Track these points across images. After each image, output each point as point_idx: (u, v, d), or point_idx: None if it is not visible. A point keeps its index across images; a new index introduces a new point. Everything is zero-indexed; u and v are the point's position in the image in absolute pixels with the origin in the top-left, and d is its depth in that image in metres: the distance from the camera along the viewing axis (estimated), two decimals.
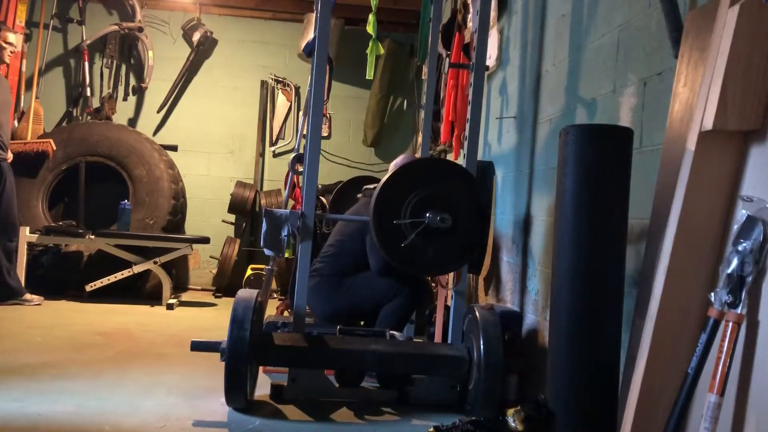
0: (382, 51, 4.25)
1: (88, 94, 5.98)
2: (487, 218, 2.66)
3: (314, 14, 3.12)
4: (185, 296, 5.74)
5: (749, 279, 1.44)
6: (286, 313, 4.08)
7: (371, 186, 3.31)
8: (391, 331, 2.86)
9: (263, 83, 6.35)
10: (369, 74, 4.05)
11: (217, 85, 6.33)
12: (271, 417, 2.48)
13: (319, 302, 3.18)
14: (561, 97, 2.85)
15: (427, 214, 2.53)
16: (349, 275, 3.18)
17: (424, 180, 2.60)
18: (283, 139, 6.40)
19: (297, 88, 6.37)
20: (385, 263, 3.05)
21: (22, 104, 5.80)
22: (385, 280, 3.11)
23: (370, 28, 3.87)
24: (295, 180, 4.31)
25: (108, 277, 5.06)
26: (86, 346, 3.46)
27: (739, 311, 1.43)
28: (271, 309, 4.31)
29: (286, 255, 3.06)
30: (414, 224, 2.54)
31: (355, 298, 3.16)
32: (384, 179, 2.64)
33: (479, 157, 3.37)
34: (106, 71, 6.15)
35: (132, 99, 6.25)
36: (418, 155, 5.18)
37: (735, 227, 1.50)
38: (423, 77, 5.62)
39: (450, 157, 4.46)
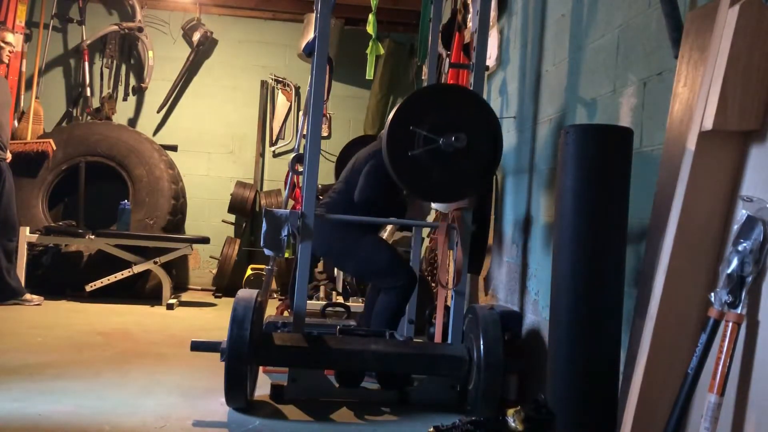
0: (382, 51, 4.24)
1: (88, 94, 5.98)
2: (500, 145, 2.64)
3: (314, 14, 3.12)
4: (185, 296, 5.74)
5: (749, 279, 1.44)
6: (286, 313, 4.08)
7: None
8: (391, 331, 2.86)
9: (263, 83, 6.35)
10: (369, 74, 4.05)
11: (217, 85, 6.33)
12: (271, 417, 2.48)
13: (319, 235, 3.06)
14: (561, 97, 2.85)
15: (441, 139, 2.51)
16: (358, 228, 3.11)
17: (439, 104, 2.57)
18: (283, 139, 6.40)
19: (297, 88, 6.37)
20: (370, 195, 3.03)
21: (22, 104, 5.80)
22: (386, 257, 3.07)
23: (370, 28, 3.87)
24: (295, 180, 4.31)
25: (108, 277, 5.06)
26: (86, 346, 3.46)
27: (739, 311, 1.43)
28: (271, 309, 4.31)
29: (286, 255, 3.06)
30: (428, 141, 2.51)
31: (353, 252, 3.11)
32: (400, 102, 2.63)
33: None
34: (106, 71, 6.15)
35: (132, 99, 6.25)
36: None
37: (735, 227, 1.50)
38: (423, 77, 5.62)
39: None
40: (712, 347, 1.47)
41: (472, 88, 2.86)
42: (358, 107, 6.36)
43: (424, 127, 2.51)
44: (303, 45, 5.12)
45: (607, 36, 2.46)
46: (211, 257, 6.10)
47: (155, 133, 6.21)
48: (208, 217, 6.24)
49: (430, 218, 4.07)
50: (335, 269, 4.98)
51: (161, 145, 5.89)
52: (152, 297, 5.25)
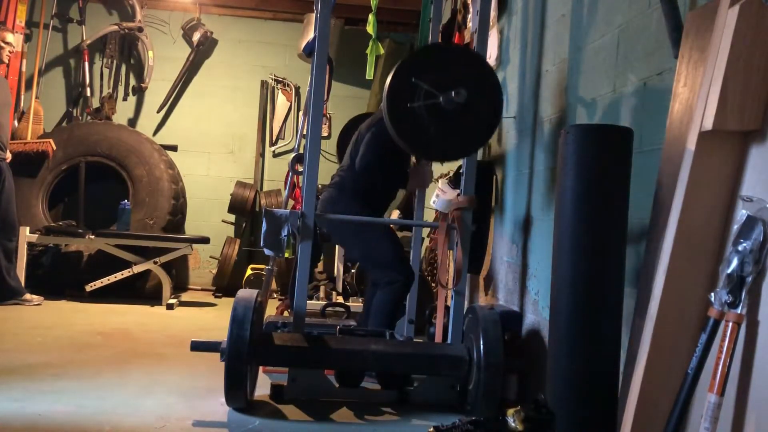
0: (382, 51, 4.25)
1: (88, 94, 5.98)
2: (499, 105, 2.63)
3: (314, 14, 3.12)
4: (185, 296, 5.74)
5: (749, 279, 1.44)
6: (286, 313, 4.08)
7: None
8: (391, 332, 2.86)
9: (263, 83, 6.35)
10: (369, 74, 4.05)
11: (217, 85, 6.33)
12: (271, 417, 2.48)
13: (334, 211, 3.13)
14: (561, 97, 2.85)
15: (442, 96, 2.50)
16: (366, 205, 3.13)
17: (442, 61, 2.57)
18: (283, 139, 6.40)
19: (297, 88, 6.37)
20: (372, 161, 3.04)
21: (22, 104, 5.80)
22: (390, 252, 3.08)
23: (370, 28, 3.87)
24: (295, 180, 4.31)
25: (108, 277, 5.06)
26: (86, 346, 3.46)
27: (739, 311, 1.43)
28: (271, 309, 4.31)
29: (286, 255, 3.05)
30: (428, 96, 2.50)
31: (358, 236, 3.14)
32: (403, 58, 2.62)
33: (479, 157, 3.37)
34: (106, 71, 6.15)
35: (132, 99, 6.25)
36: None
37: (735, 227, 1.50)
38: None
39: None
40: (712, 347, 1.47)
41: None
42: (358, 107, 6.34)
43: (425, 82, 2.50)
44: (303, 45, 5.12)
45: (607, 36, 2.46)
46: (211, 257, 6.10)
47: (155, 133, 6.21)
48: (208, 217, 6.24)
49: (430, 218, 4.07)
50: (335, 269, 4.98)
51: (161, 145, 5.89)
52: (152, 297, 5.25)
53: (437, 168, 4.98)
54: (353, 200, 3.14)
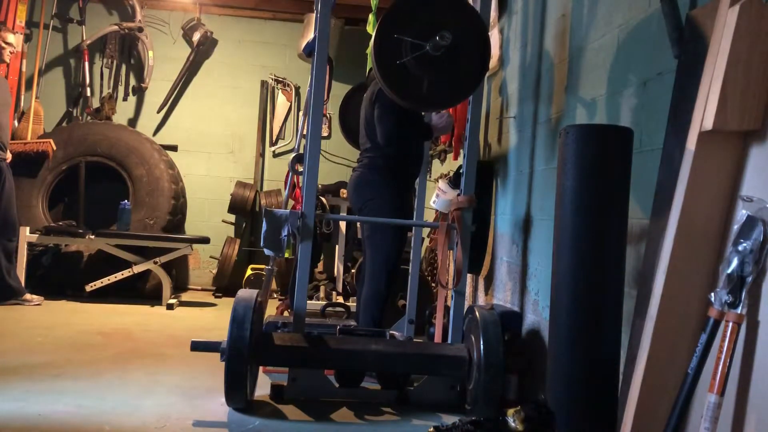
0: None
1: (88, 94, 5.98)
2: (488, 47, 2.61)
3: (314, 14, 3.12)
4: (185, 296, 5.74)
5: (749, 279, 1.44)
6: (286, 313, 4.08)
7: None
8: (391, 332, 2.86)
9: (263, 83, 6.35)
10: None
11: (217, 85, 6.33)
12: (271, 417, 2.48)
13: (367, 190, 3.19)
14: (561, 97, 2.85)
15: (428, 44, 2.47)
16: (391, 180, 3.18)
17: (423, 10, 2.54)
18: (283, 139, 6.40)
19: (297, 88, 6.37)
20: (392, 130, 3.06)
21: (22, 104, 5.80)
22: (390, 249, 3.12)
23: (370, 28, 3.87)
24: (295, 180, 4.31)
25: (108, 277, 5.06)
26: (86, 346, 3.46)
27: (739, 311, 1.44)
28: (271, 309, 4.31)
29: (286, 255, 3.05)
30: (415, 48, 2.47)
31: (374, 204, 3.18)
32: (385, 12, 2.59)
33: (479, 157, 3.38)
34: (106, 71, 6.15)
35: (132, 99, 6.25)
36: None
37: (735, 227, 1.50)
38: None
39: (449, 157, 4.47)
40: (712, 347, 1.47)
41: None
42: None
43: (409, 34, 2.47)
44: (303, 45, 5.12)
45: (607, 36, 2.46)
46: (211, 257, 6.10)
47: (155, 133, 6.21)
48: (208, 217, 6.24)
49: (430, 218, 4.07)
50: (335, 269, 4.99)
51: (161, 145, 5.89)
52: (152, 297, 5.25)
53: (437, 168, 4.98)
54: (386, 177, 3.19)
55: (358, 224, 4.60)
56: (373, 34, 2.54)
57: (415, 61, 2.48)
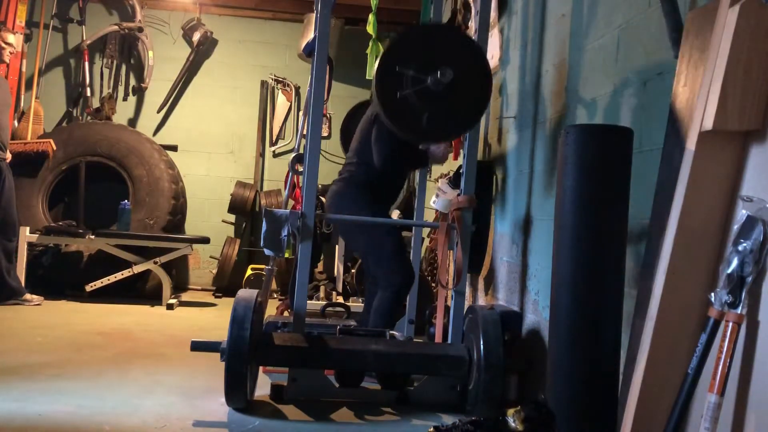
0: (382, 51, 4.24)
1: (88, 94, 5.98)
2: (489, 81, 2.62)
3: (314, 14, 3.12)
4: (185, 296, 5.74)
5: (749, 279, 1.44)
6: (286, 313, 4.08)
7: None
8: (391, 332, 2.86)
9: (263, 83, 6.35)
10: (369, 74, 4.05)
11: (217, 85, 6.33)
12: (271, 417, 2.48)
13: (338, 203, 3.16)
14: (561, 97, 2.85)
15: (429, 78, 2.48)
16: (376, 198, 3.15)
17: (425, 44, 2.55)
18: (283, 139, 6.40)
19: (297, 88, 6.37)
20: (387, 154, 3.04)
21: (22, 104, 5.80)
22: (390, 253, 3.08)
23: (370, 28, 3.87)
24: (295, 180, 4.31)
25: (108, 277, 5.06)
26: (86, 346, 3.46)
27: (739, 311, 1.43)
28: (271, 309, 4.31)
29: (286, 255, 3.05)
30: (416, 82, 2.48)
31: (365, 230, 3.15)
32: (387, 44, 2.61)
33: (479, 157, 3.38)
34: (106, 71, 6.15)
35: (132, 99, 6.25)
36: None
37: (735, 227, 1.50)
38: None
39: (450, 157, 4.46)
40: (712, 347, 1.47)
41: None
42: None
43: (411, 67, 2.48)
44: (303, 45, 5.12)
45: (607, 36, 2.46)
46: (211, 257, 6.10)
47: (155, 133, 6.21)
48: (208, 217, 6.24)
49: (430, 218, 4.07)
50: (335, 269, 4.98)
51: (161, 145, 5.89)
52: (152, 297, 5.25)
53: (437, 168, 4.98)
54: (362, 193, 3.16)
55: (342, 250, 4.57)
56: (376, 65, 2.55)
57: (415, 95, 2.50)
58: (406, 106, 2.50)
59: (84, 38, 5.96)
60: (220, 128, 6.32)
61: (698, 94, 1.65)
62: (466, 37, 2.67)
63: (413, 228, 3.61)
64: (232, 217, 6.16)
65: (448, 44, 2.56)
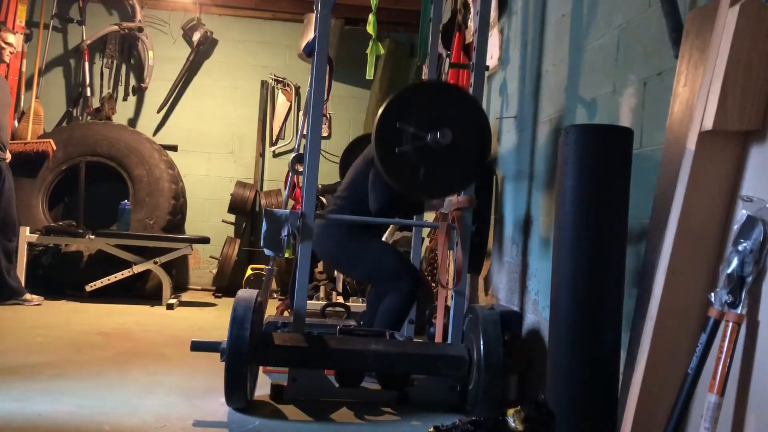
0: (382, 51, 4.25)
1: (88, 94, 5.98)
2: (488, 142, 2.63)
3: (314, 14, 3.12)
4: (185, 296, 5.74)
5: (749, 279, 1.44)
6: (286, 313, 4.08)
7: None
8: (391, 332, 2.86)
9: (263, 83, 6.35)
10: (369, 74, 4.05)
11: (217, 85, 6.33)
12: (271, 417, 2.48)
13: (325, 243, 3.15)
14: (561, 97, 2.85)
15: (428, 135, 2.49)
16: (363, 229, 3.14)
17: (427, 101, 2.57)
18: (283, 139, 6.40)
19: (297, 88, 6.37)
20: (384, 201, 3.04)
21: (22, 104, 5.80)
22: (391, 262, 3.08)
23: (370, 28, 3.87)
24: (295, 180, 4.31)
25: (108, 277, 5.06)
26: (86, 346, 3.46)
27: (739, 311, 1.43)
28: (271, 309, 4.31)
29: (286, 255, 3.05)
30: (415, 138, 2.50)
31: (358, 259, 3.14)
32: (388, 98, 2.61)
33: None
34: (106, 71, 6.15)
35: (132, 99, 6.25)
36: None
37: (735, 227, 1.50)
38: (423, 77, 5.61)
39: None
40: (712, 347, 1.47)
41: (472, 89, 2.86)
42: (358, 107, 6.36)
43: (411, 124, 2.50)
44: (303, 45, 5.12)
45: (607, 36, 2.46)
46: (211, 257, 6.10)
47: (155, 133, 6.21)
48: (208, 217, 6.24)
49: (430, 218, 4.07)
50: (335, 271, 4.98)
51: (161, 145, 5.89)
52: (152, 297, 5.25)
53: None
54: (349, 229, 3.14)
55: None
56: (376, 119, 2.56)
57: (414, 151, 2.51)
58: (404, 160, 2.52)
59: (84, 38, 5.96)
60: (220, 128, 6.32)
61: (698, 94, 1.65)
62: (467, 96, 2.68)
63: (413, 228, 3.61)
64: (232, 217, 6.16)
65: (449, 102, 2.58)
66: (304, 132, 3.59)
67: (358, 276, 3.20)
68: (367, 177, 3.12)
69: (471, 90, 2.88)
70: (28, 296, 4.67)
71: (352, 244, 3.12)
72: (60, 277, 5.21)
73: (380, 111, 2.55)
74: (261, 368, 2.89)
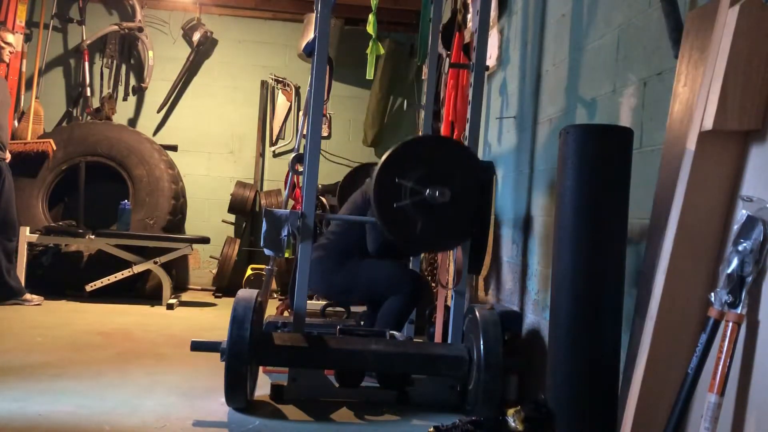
0: (382, 51, 4.24)
1: (88, 94, 5.98)
2: (487, 197, 2.68)
3: (314, 14, 3.12)
4: (185, 296, 5.74)
5: (749, 279, 1.44)
6: (286, 313, 4.08)
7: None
8: (391, 332, 2.86)
9: (263, 83, 6.35)
10: (369, 74, 4.05)
11: (217, 85, 6.33)
12: (271, 417, 2.48)
13: (317, 277, 3.16)
14: (561, 97, 2.85)
15: (427, 190, 2.52)
16: (353, 255, 3.16)
17: (426, 155, 2.59)
18: (283, 139, 6.40)
19: (297, 88, 6.37)
20: (382, 243, 3.04)
21: (22, 104, 5.80)
22: (386, 272, 3.09)
23: (370, 28, 3.87)
24: (295, 180, 4.31)
25: (108, 277, 5.06)
26: (86, 346, 3.46)
27: (739, 311, 1.43)
28: (271, 309, 4.31)
29: (286, 255, 3.05)
30: (413, 193, 2.52)
31: (354, 282, 3.15)
32: (387, 153, 2.63)
33: (479, 157, 3.37)
34: (106, 71, 6.15)
35: (132, 99, 6.25)
36: None
37: (735, 227, 1.50)
38: (423, 77, 5.61)
39: None
40: (712, 347, 1.47)
41: (472, 89, 2.86)
42: (358, 107, 6.36)
43: (410, 179, 2.53)
44: (303, 45, 5.12)
45: (607, 36, 2.46)
46: (211, 257, 6.10)
47: (155, 133, 6.21)
48: (208, 217, 6.24)
49: None
50: None
51: (161, 145, 5.89)
52: (152, 297, 5.25)
53: None
54: (338, 259, 3.17)
55: None
56: (375, 173, 2.59)
57: (412, 206, 2.54)
58: (403, 213, 2.55)
59: (84, 38, 5.96)
60: (220, 128, 6.32)
61: (698, 94, 1.65)
62: (467, 151, 2.70)
63: None
64: (232, 217, 6.16)
65: (447, 161, 2.60)
66: (304, 132, 3.58)
67: (360, 298, 3.22)
68: (375, 235, 3.14)
69: (471, 90, 2.88)
70: (28, 296, 4.67)
71: (343, 272, 3.16)
72: (60, 277, 5.20)
73: (379, 164, 2.59)
74: (261, 368, 2.89)
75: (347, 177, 4.12)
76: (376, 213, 2.58)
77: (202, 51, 6.25)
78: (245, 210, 5.99)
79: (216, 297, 5.76)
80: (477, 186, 2.62)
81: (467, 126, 2.91)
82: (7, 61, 4.94)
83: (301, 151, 3.87)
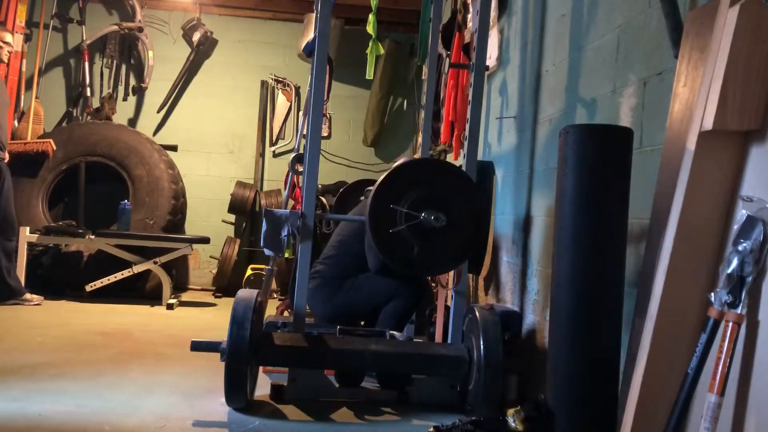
0: (382, 51, 4.25)
1: (88, 94, 5.98)
2: (484, 221, 2.68)
3: (314, 14, 3.12)
4: (185, 296, 5.74)
5: (749, 279, 1.44)
6: (286, 313, 4.08)
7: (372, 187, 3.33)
8: (391, 332, 2.86)
9: (263, 83, 6.35)
10: (369, 74, 4.05)
11: (217, 85, 6.33)
12: (271, 417, 2.48)
13: (319, 304, 3.18)
14: (561, 97, 2.85)
15: (422, 214, 2.52)
16: (350, 276, 3.18)
17: (422, 179, 2.59)
18: (283, 139, 6.40)
19: (297, 88, 6.37)
20: (382, 262, 3.05)
21: (22, 104, 5.80)
22: (385, 280, 3.11)
23: (370, 28, 3.87)
24: (295, 180, 4.31)
25: (108, 277, 5.06)
26: (86, 346, 3.46)
27: (739, 311, 1.43)
28: (271, 309, 4.31)
29: (286, 255, 3.06)
30: (409, 218, 2.53)
31: (355, 297, 3.16)
32: (381, 177, 2.64)
33: (479, 157, 3.37)
34: (106, 71, 6.15)
35: (132, 99, 6.25)
36: (418, 155, 5.18)
37: (735, 227, 1.50)
38: (423, 77, 5.62)
39: (450, 157, 4.47)
40: (712, 347, 1.47)
41: (472, 89, 2.86)
42: (358, 107, 6.36)
43: (405, 203, 2.53)
44: (303, 45, 5.12)
45: (607, 36, 2.46)
46: (211, 257, 6.10)
47: (155, 133, 6.21)
48: (208, 217, 6.24)
49: None
50: None
51: (161, 145, 5.89)
52: (152, 297, 5.25)
53: None
54: (337, 282, 3.17)
55: None
56: (371, 197, 2.58)
57: (408, 229, 2.53)
58: (399, 237, 2.54)
59: (84, 38, 5.96)
60: (219, 128, 6.32)
61: (698, 94, 1.65)
62: (463, 176, 2.70)
63: None
64: (232, 217, 6.16)
65: (444, 185, 2.60)
66: (304, 132, 3.58)
67: (365, 312, 3.22)
68: (355, 239, 3.17)
69: (471, 90, 2.88)
70: (28, 296, 4.67)
71: (343, 290, 3.16)
72: (60, 277, 5.20)
73: (374, 189, 2.59)
74: (261, 368, 2.89)
75: (344, 192, 4.12)
76: (373, 238, 2.59)
77: (202, 51, 6.25)
78: (245, 210, 5.99)
79: (216, 297, 5.76)
80: (474, 211, 2.62)
81: (467, 126, 2.91)
82: (6, 60, 4.94)
83: (301, 151, 3.87)
